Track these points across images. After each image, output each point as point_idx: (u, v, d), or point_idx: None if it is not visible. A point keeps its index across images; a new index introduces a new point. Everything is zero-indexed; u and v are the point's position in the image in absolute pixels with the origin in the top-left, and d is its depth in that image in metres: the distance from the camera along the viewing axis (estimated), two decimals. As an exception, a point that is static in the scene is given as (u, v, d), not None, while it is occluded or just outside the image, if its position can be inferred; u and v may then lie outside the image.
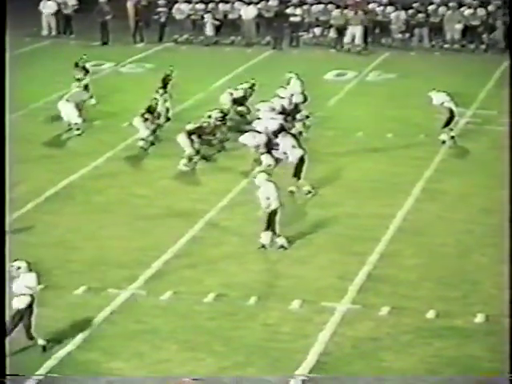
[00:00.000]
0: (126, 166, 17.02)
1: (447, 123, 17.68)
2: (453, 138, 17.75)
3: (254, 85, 18.93)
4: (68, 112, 18.56)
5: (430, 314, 11.36)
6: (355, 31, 25.95)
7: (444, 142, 17.71)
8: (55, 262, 12.79)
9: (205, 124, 17.03)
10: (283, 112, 17.78)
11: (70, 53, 24.23)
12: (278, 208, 13.09)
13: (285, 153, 15.53)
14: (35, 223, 14.07)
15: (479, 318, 11.25)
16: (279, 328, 11.11)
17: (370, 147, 17.72)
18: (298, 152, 15.33)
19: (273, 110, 17.73)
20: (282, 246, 13.21)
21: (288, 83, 18.81)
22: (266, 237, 13.17)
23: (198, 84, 21.74)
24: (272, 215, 13.10)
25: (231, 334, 11.00)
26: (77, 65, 20.11)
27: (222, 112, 17.65)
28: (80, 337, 10.86)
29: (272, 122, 16.91)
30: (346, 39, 26.11)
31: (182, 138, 16.63)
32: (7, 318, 10.24)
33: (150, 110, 17.89)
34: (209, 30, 27.09)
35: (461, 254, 13.09)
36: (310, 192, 15.21)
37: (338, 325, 11.17)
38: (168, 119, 18.66)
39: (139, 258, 13.00)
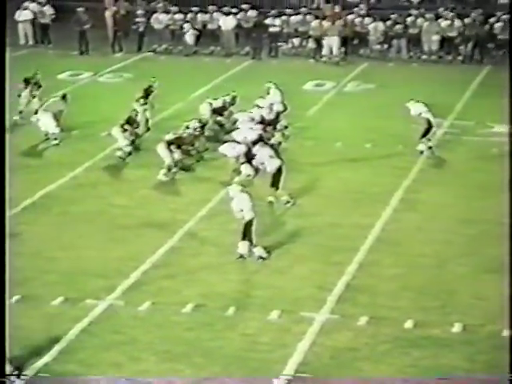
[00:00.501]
0: (104, 176, 16.95)
1: (425, 134, 17.78)
2: (430, 148, 17.85)
3: (235, 97, 18.95)
4: (45, 122, 18.49)
5: (408, 324, 11.39)
6: (332, 42, 26.06)
7: (422, 152, 17.81)
8: (32, 273, 12.70)
9: (184, 135, 17.02)
10: (262, 122, 17.81)
11: (47, 62, 24.18)
12: (253, 219, 13.09)
13: (262, 163, 15.55)
14: (12, 233, 13.94)
15: (456, 328, 11.29)
16: (258, 338, 11.10)
17: (349, 157, 17.78)
18: (276, 162, 15.35)
19: (252, 120, 17.76)
20: (260, 257, 13.20)
21: (268, 93, 18.85)
22: (243, 247, 13.16)
23: (177, 94, 21.73)
24: (247, 226, 13.10)
25: (210, 344, 10.97)
26: (27, 81, 19.86)
27: (200, 122, 17.66)
28: (57, 348, 10.78)
29: (251, 132, 16.92)
30: (324, 50, 26.22)
31: (161, 149, 16.61)
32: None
33: (130, 121, 17.86)
34: (188, 40, 27.10)
35: (439, 264, 13.15)
36: (288, 202, 15.23)
37: (316, 335, 11.17)
38: (148, 129, 18.63)
39: (117, 269, 12.94)
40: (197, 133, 17.26)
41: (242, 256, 13.17)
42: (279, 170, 15.25)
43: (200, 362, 10.54)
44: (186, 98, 21.75)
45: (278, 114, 18.24)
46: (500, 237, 13.86)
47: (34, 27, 27.99)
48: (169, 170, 16.49)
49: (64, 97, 19.26)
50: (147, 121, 18.64)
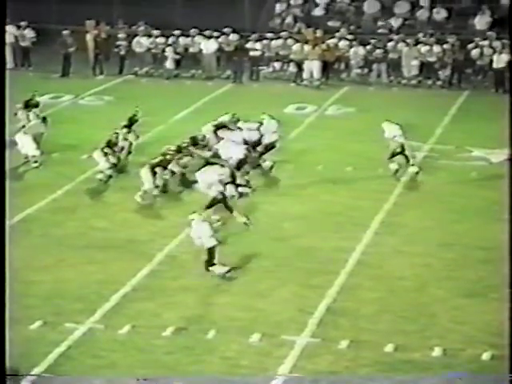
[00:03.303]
0: (85, 199, 16.90)
1: (394, 155, 17.87)
2: (417, 173, 17.86)
3: (235, 117, 18.86)
4: (25, 144, 18.42)
5: (389, 348, 11.39)
6: (312, 66, 26.21)
7: (397, 170, 17.80)
8: (10, 296, 12.55)
9: (167, 156, 16.94)
10: (246, 143, 17.89)
11: (28, 85, 24.10)
12: (215, 246, 13.16)
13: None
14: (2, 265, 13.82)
15: (436, 352, 11.31)
16: (238, 361, 11.05)
17: (330, 180, 17.85)
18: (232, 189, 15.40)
19: (233, 141, 17.80)
20: (223, 274, 13.20)
21: (261, 124, 18.52)
22: (219, 269, 13.22)
23: (158, 117, 21.74)
24: (210, 253, 13.18)
25: (190, 368, 10.90)
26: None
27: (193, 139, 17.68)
28: (35, 373, 10.66)
29: (236, 151, 17.00)
30: (305, 74, 26.35)
31: (144, 173, 16.53)
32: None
33: (110, 144, 17.82)
34: (169, 64, 27.17)
35: (418, 288, 13.18)
36: (246, 224, 15.16)
37: (297, 358, 11.14)
38: (129, 152, 18.61)
39: (97, 292, 12.87)
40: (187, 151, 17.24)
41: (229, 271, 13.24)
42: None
43: (180, 386, 10.47)
44: (167, 120, 21.78)
45: (270, 145, 18.12)
46: (480, 260, 13.95)
47: (14, 50, 27.94)
48: (145, 193, 16.39)
49: (44, 119, 19.20)
50: (130, 145, 18.66)
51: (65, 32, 27.08)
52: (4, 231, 11.34)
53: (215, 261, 13.28)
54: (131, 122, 18.80)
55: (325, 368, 10.90)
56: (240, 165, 16.97)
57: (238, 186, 16.04)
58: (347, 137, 20.79)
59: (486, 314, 12.16)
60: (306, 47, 26.44)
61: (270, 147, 18.21)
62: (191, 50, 27.52)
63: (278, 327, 11.87)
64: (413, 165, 17.98)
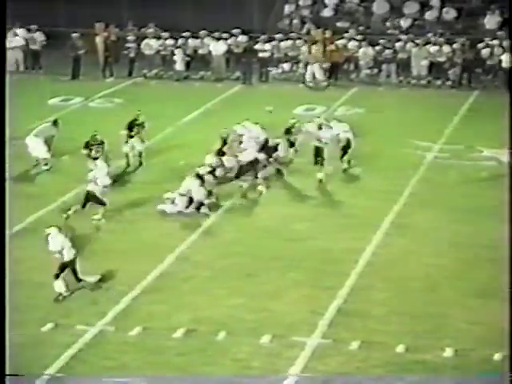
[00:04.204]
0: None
1: (344, 153, 18.06)
2: (349, 163, 18.09)
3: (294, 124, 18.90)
4: (36, 147, 18.45)
5: (400, 349, 11.37)
6: (314, 68, 26.14)
7: (345, 170, 18.03)
8: (21, 299, 12.62)
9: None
10: (262, 147, 18.06)
11: (39, 88, 24.19)
12: (75, 258, 12.95)
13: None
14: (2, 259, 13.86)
15: (448, 353, 11.28)
16: (249, 363, 11.05)
17: (341, 181, 17.83)
18: None
19: (256, 138, 18.07)
20: (96, 282, 13.11)
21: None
22: (59, 285, 12.78)
23: (168, 119, 21.77)
24: (70, 265, 12.90)
25: (201, 369, 10.91)
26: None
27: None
28: (47, 375, 10.69)
29: (249, 152, 17.15)
30: (307, 76, 26.24)
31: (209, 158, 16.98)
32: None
33: (88, 145, 17.77)
34: (178, 66, 27.21)
35: (429, 288, 13.15)
36: (99, 219, 15.52)
37: (308, 359, 11.13)
38: (140, 163, 18.60)
39: (108, 294, 12.89)
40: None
41: (61, 295, 12.78)
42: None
43: (191, 387, 10.48)
44: (177, 122, 21.80)
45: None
46: (491, 261, 13.90)
47: (25, 53, 28.04)
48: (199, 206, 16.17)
49: (55, 122, 19.26)
50: (140, 154, 18.67)
51: (74, 35, 27.16)
52: (4, 234, 11.35)
53: (78, 273, 13.03)
54: (131, 126, 18.72)
55: (336, 369, 10.89)
56: (245, 169, 17.44)
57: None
58: (357, 138, 20.73)
59: (497, 315, 12.11)
60: (314, 48, 26.35)
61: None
62: (200, 51, 27.55)
63: (289, 328, 11.86)
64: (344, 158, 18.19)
